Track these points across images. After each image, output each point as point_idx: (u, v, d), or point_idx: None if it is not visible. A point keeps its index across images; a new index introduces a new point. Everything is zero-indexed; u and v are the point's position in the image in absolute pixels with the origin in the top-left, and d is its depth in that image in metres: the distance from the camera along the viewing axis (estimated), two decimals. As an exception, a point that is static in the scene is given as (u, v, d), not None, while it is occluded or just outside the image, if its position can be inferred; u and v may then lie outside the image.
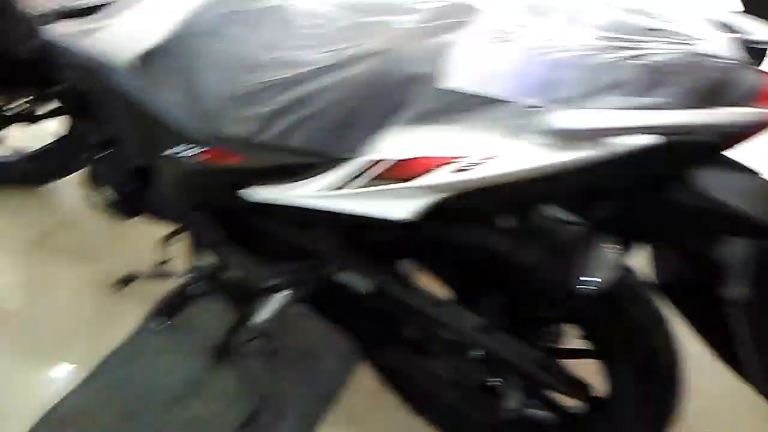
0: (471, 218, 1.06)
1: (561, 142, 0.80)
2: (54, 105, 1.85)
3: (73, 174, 2.10)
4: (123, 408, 1.61)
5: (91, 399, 1.63)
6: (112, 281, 1.61)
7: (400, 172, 0.91)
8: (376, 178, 0.94)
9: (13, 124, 1.95)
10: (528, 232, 1.03)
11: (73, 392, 1.64)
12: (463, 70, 0.85)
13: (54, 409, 1.60)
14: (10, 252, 2.00)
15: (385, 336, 1.31)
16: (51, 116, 1.95)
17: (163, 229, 1.52)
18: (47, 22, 1.18)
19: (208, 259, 1.46)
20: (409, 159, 0.90)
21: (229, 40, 1.06)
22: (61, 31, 1.17)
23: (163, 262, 1.55)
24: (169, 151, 1.15)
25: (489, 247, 1.07)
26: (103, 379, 1.67)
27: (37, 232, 2.06)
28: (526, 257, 1.04)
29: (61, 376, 1.70)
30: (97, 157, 1.49)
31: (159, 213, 1.49)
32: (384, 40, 0.93)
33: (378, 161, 0.93)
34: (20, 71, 1.34)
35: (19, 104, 1.85)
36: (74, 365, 1.71)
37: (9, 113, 1.86)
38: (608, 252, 0.97)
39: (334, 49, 0.97)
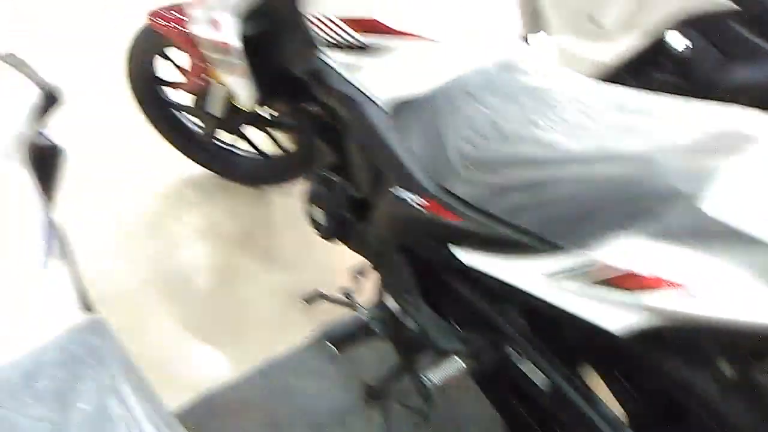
0: (684, 350, 0.98)
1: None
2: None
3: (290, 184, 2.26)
4: (269, 416, 1.67)
5: (243, 397, 1.70)
6: (299, 294, 1.69)
7: (628, 283, 0.87)
8: (598, 281, 0.91)
9: (253, 126, 2.16)
10: (745, 387, 0.93)
11: (229, 386, 1.72)
12: (730, 201, 0.80)
13: (208, 398, 1.69)
14: (217, 239, 2.17)
15: (543, 436, 1.25)
16: (287, 130, 2.12)
17: (358, 260, 1.58)
18: (326, 48, 1.28)
19: (392, 303, 1.49)
20: (643, 273, 0.86)
21: (488, 107, 1.08)
22: (336, 59, 1.26)
23: (349, 292, 1.60)
24: (395, 191, 1.20)
25: (694, 388, 0.98)
26: (259, 382, 1.74)
27: (245, 227, 2.22)
28: (735, 414, 0.94)
29: (224, 364, 1.79)
30: (319, 177, 1.59)
31: (359, 245, 1.55)
32: (648, 148, 0.90)
33: (606, 265, 0.89)
34: (286, 83, 1.46)
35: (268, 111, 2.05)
36: (238, 359, 1.79)
37: (257, 116, 2.06)
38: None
39: (593, 142, 0.95)
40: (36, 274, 0.72)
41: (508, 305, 1.20)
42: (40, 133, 0.94)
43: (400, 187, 1.18)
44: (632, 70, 1.85)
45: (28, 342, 0.69)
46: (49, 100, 0.93)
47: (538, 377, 1.18)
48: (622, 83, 1.48)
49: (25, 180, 0.82)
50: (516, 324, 1.19)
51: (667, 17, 1.78)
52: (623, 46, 1.84)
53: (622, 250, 0.88)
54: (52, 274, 0.75)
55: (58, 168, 1.03)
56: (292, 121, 1.98)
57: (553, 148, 0.97)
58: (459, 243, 1.11)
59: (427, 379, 1.21)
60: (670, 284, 0.83)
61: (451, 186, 1.09)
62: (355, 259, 1.59)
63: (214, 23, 1.40)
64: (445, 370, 1.21)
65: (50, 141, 0.99)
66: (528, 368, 1.19)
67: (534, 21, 2.04)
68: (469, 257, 1.10)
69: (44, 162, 0.93)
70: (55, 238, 0.79)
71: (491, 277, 1.07)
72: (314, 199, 1.60)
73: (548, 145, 0.98)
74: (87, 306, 0.84)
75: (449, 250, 1.12)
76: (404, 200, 1.17)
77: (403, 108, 1.22)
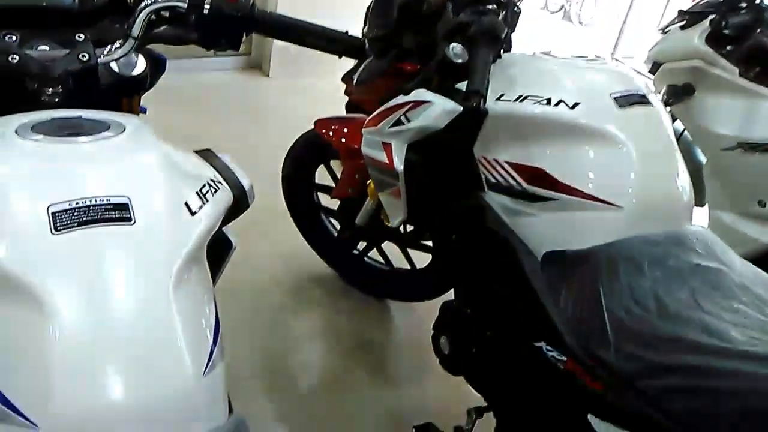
0: None
1: None
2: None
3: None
4: None
5: None
6: (406, 419, 1.65)
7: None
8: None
9: (390, 241, 2.22)
10: None
11: None
12: None
13: None
14: (332, 344, 2.19)
15: None
16: (424, 250, 2.16)
17: (476, 398, 1.53)
18: (488, 188, 1.31)
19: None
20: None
21: (652, 279, 1.05)
22: (497, 200, 1.29)
23: (461, 429, 1.55)
24: (537, 344, 1.17)
25: None
26: None
27: (363, 337, 2.23)
28: None
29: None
30: (452, 307, 1.58)
31: (481, 385, 1.50)
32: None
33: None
34: (438, 212, 1.51)
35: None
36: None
37: (397, 232, 2.12)
38: None
39: (763, 338, 0.90)
40: (200, 373, 0.75)
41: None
42: (220, 229, 0.99)
43: (544, 341, 1.15)
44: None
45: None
46: (241, 201, 0.99)
47: None
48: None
49: (206, 282, 0.86)
50: None
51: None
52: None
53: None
54: (213, 373, 0.77)
55: (225, 262, 1.09)
56: (432, 244, 2.02)
57: (722, 337, 0.93)
58: (598, 413, 1.06)
59: None
60: None
61: (601, 352, 1.05)
62: (473, 396, 1.54)
63: (383, 145, 1.47)
64: None
65: (227, 237, 1.04)
66: None
67: (697, 195, 2.02)
68: (608, 429, 1.05)
69: (214, 255, 0.97)
70: (219, 337, 0.82)
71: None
72: (442, 327, 1.59)
73: (716, 333, 0.93)
74: (230, 405, 0.86)
75: (586, 419, 1.07)
76: (546, 357, 1.14)
77: (556, 260, 1.21)
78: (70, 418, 0.67)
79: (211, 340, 0.79)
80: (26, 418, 0.67)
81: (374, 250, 2.30)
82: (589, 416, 1.07)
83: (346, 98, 2.02)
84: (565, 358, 1.14)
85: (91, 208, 0.76)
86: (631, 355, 1.01)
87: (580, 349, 1.09)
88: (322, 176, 2.32)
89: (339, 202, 2.20)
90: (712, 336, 0.94)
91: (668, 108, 2.09)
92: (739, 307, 0.98)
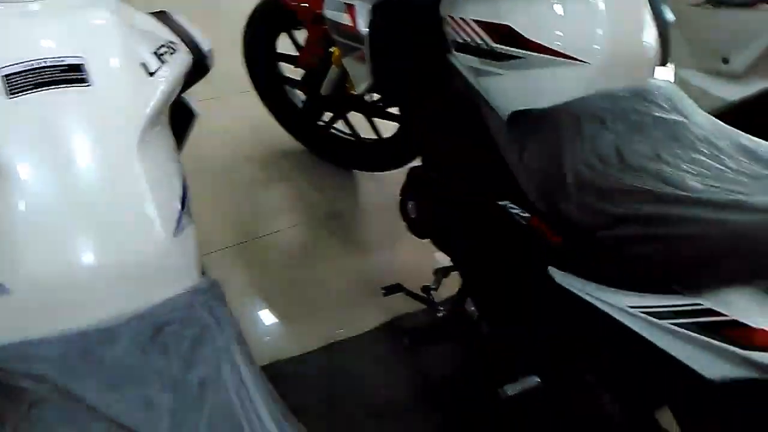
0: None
1: None
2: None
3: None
4: (326, 393, 1.67)
5: (304, 372, 1.71)
6: (376, 282, 1.70)
7: (737, 334, 0.85)
8: (705, 327, 0.89)
9: (356, 111, 2.20)
10: None
11: (291, 359, 1.73)
12: None
13: (269, 368, 1.70)
14: (303, 214, 2.22)
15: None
16: (390, 118, 2.14)
17: (443, 259, 1.58)
18: (454, 49, 1.28)
19: (472, 308, 1.49)
20: (754, 326, 0.84)
21: (614, 132, 1.06)
22: (462, 60, 1.27)
23: (430, 289, 1.61)
24: (500, 202, 1.20)
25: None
26: (320, 359, 1.75)
27: (333, 207, 2.25)
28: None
29: (289, 337, 1.82)
30: (417, 172, 1.59)
31: (448, 246, 1.55)
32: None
33: (719, 314, 0.87)
34: (404, 75, 1.48)
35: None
36: (304, 334, 1.81)
37: (362, 101, 2.10)
38: None
39: (724, 187, 0.93)
40: (170, 234, 0.76)
41: (597, 333, 1.18)
42: (181, 96, 0.97)
43: (508, 200, 1.18)
44: (757, 111, 1.81)
45: (155, 295, 0.73)
46: (200, 64, 0.96)
47: (615, 410, 1.17)
48: (745, 123, 1.43)
49: (170, 146, 0.85)
50: (602, 353, 1.17)
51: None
52: (751, 87, 1.80)
53: (738, 302, 0.86)
54: (183, 234, 0.78)
55: (188, 131, 1.07)
56: (399, 111, 2.00)
57: (679, 186, 0.95)
58: (558, 265, 1.11)
59: (503, 390, 1.21)
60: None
61: (562, 207, 1.07)
62: (440, 258, 1.59)
63: (346, 6, 1.42)
64: (523, 385, 1.21)
65: (188, 104, 1.02)
66: (606, 399, 1.18)
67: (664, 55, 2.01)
68: (567, 280, 1.09)
69: (177, 123, 0.96)
70: (188, 200, 0.83)
71: (586, 303, 1.07)
72: (409, 192, 1.61)
73: (675, 183, 0.96)
74: (202, 268, 0.88)
75: (547, 271, 1.12)
76: (510, 215, 1.17)
77: (521, 119, 1.21)
78: (41, 280, 0.68)
79: (178, 203, 0.79)
80: None
81: (340, 121, 2.28)
82: (550, 269, 1.12)
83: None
84: (529, 215, 1.17)
85: (46, 69, 0.73)
86: (591, 207, 1.03)
87: (543, 205, 1.12)
88: (284, 46, 2.25)
89: (303, 73, 2.16)
90: (670, 185, 0.96)
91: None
92: (698, 158, 1.01)
